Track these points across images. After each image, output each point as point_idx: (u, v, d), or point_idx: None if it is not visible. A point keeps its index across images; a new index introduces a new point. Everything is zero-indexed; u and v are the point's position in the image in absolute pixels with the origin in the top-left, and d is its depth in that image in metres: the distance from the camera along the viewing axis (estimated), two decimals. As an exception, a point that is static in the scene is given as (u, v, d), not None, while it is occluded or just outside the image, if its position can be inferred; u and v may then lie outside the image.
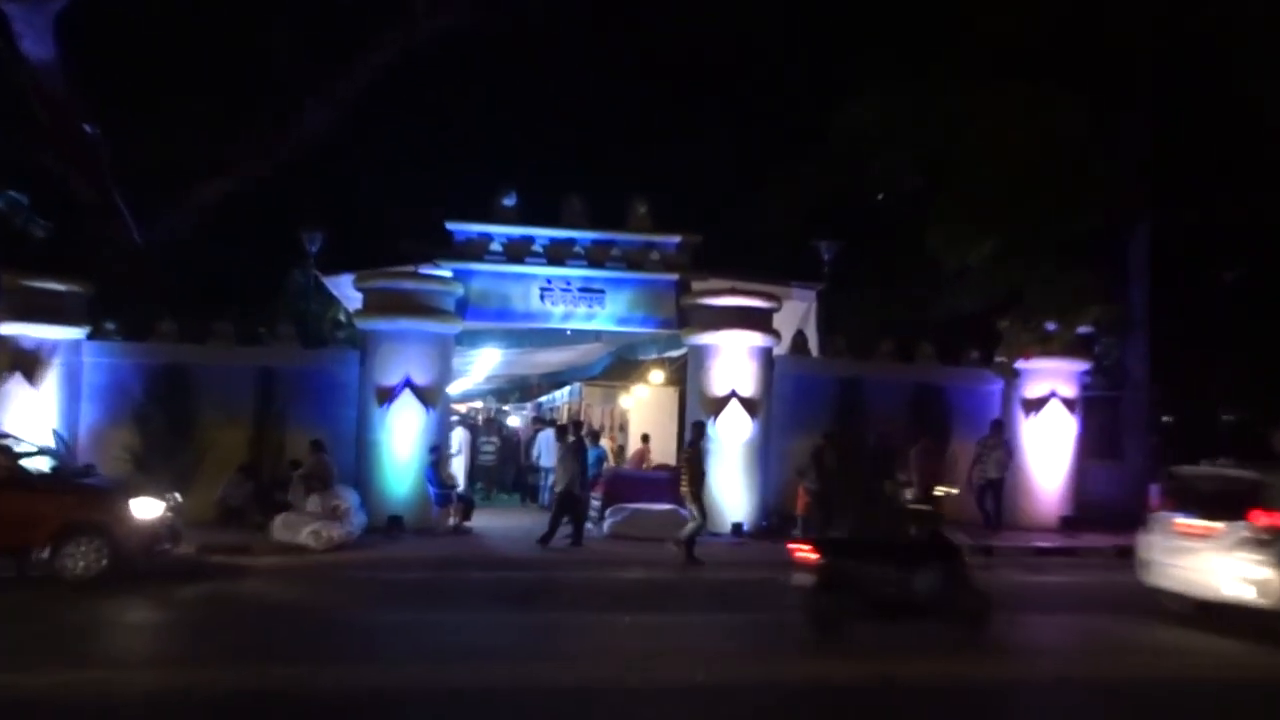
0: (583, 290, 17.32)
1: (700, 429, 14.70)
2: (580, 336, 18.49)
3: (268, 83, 19.86)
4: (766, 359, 17.20)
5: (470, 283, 17.10)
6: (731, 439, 16.70)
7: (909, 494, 15.59)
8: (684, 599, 11.52)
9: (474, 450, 21.12)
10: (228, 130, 19.56)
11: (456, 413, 21.41)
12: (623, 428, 22.26)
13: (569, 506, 15.01)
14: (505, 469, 22.01)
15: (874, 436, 16.37)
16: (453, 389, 17.93)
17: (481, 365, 21.81)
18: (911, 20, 16.69)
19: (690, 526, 14.07)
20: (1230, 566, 10.21)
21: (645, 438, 19.75)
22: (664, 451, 19.79)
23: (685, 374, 18.08)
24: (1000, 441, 17.25)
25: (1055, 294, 16.68)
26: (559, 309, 17.33)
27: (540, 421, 22.82)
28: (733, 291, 16.93)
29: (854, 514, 11.17)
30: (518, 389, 28.87)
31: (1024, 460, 18.10)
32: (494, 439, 21.96)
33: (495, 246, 17.28)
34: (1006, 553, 15.16)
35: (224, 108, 19.41)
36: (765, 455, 16.84)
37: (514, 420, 27.88)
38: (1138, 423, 19.06)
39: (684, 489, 14.12)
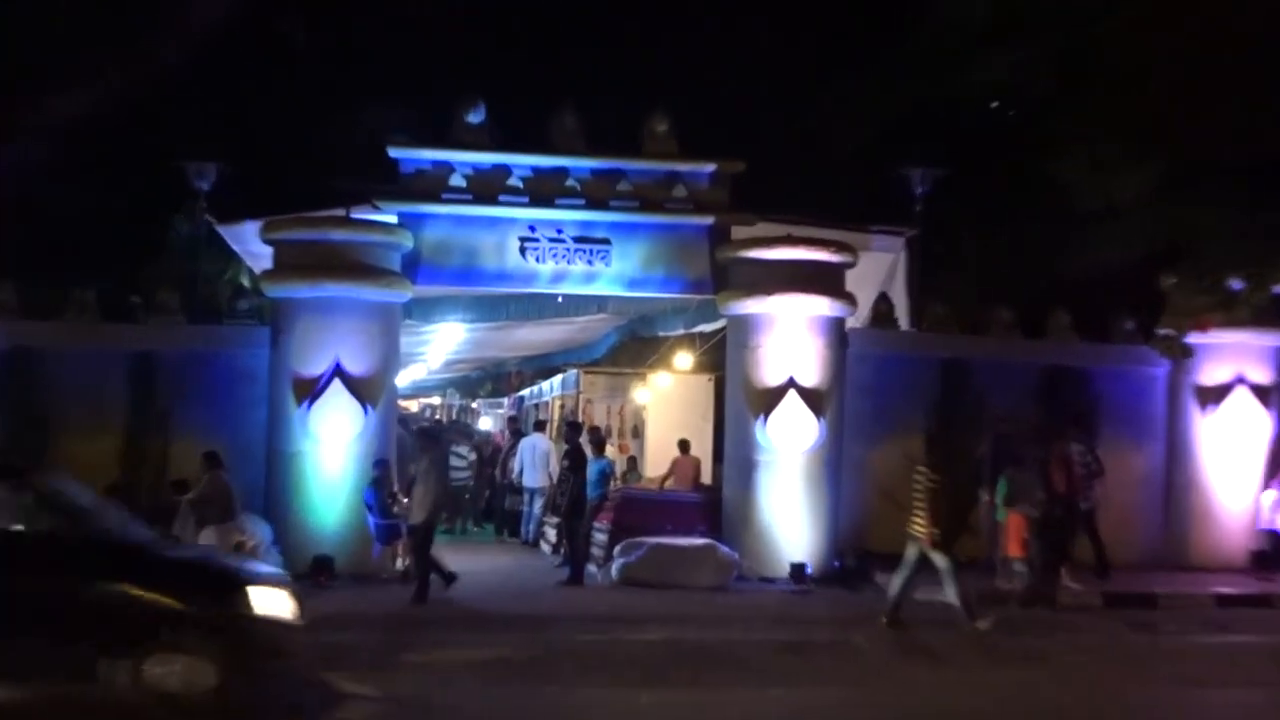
0: (580, 240, 17.11)
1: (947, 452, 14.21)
2: (577, 305, 18.29)
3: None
4: (837, 334, 16.97)
5: (423, 231, 16.90)
6: (789, 446, 16.53)
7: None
8: (722, 667, 11.32)
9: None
10: (85, 27, 18.94)
11: (406, 411, 21.43)
12: (637, 431, 22.02)
13: (428, 546, 14.83)
14: (476, 490, 21.90)
15: (987, 440, 16.11)
16: (401, 379, 18.08)
17: (440, 346, 21.67)
18: None
19: (950, 588, 13.53)
20: None
21: (685, 445, 19.31)
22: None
23: (724, 356, 17.76)
24: (1077, 449, 16.26)
25: (1243, 239, 16.06)
26: (547, 267, 17.09)
27: (516, 422, 22.52)
28: (789, 240, 16.74)
29: None
30: (489, 379, 28.49)
31: (1198, 472, 17.86)
32: (466, 450, 21.66)
33: (457, 180, 17.03)
34: (1176, 601, 14.98)
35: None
36: (835, 469, 16.69)
37: (485, 422, 27.55)
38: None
39: (922, 529, 13.49)
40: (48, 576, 9.19)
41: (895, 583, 13.70)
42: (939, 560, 13.52)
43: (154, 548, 10.17)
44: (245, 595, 9.37)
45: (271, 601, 9.55)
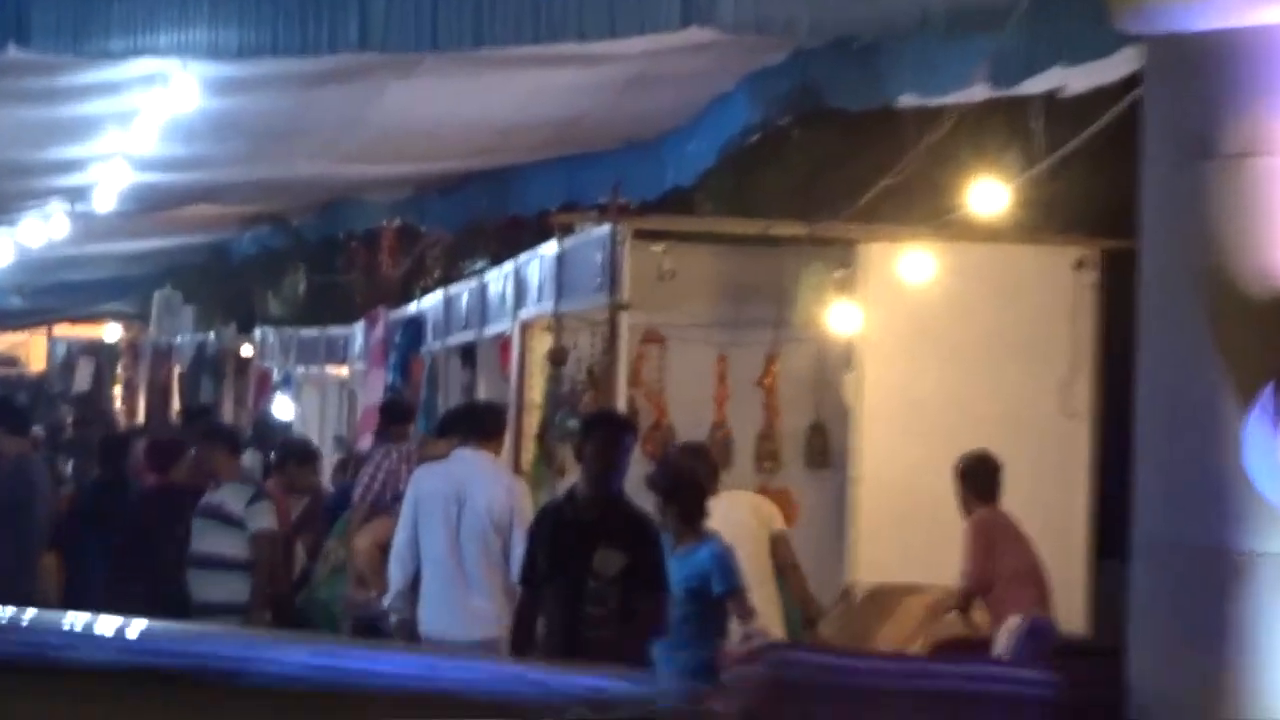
0: None
1: None
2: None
3: None
4: None
5: None
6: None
7: None
8: None
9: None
10: None
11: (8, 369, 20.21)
12: (818, 440, 14.80)
13: None
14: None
15: None
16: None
17: (123, 143, 15.94)
18: None
19: None
20: None
21: (988, 474, 13.65)
22: (1051, 529, 12.53)
23: (1123, 188, 11.05)
24: None
25: None
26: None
27: (399, 413, 15.62)
28: None
29: None
30: (298, 256, 22.06)
31: None
32: (237, 505, 13.86)
33: None
34: None
35: None
36: None
37: (285, 406, 21.89)
38: None
39: None
40: None
41: None
42: None
43: None
44: None
45: None
